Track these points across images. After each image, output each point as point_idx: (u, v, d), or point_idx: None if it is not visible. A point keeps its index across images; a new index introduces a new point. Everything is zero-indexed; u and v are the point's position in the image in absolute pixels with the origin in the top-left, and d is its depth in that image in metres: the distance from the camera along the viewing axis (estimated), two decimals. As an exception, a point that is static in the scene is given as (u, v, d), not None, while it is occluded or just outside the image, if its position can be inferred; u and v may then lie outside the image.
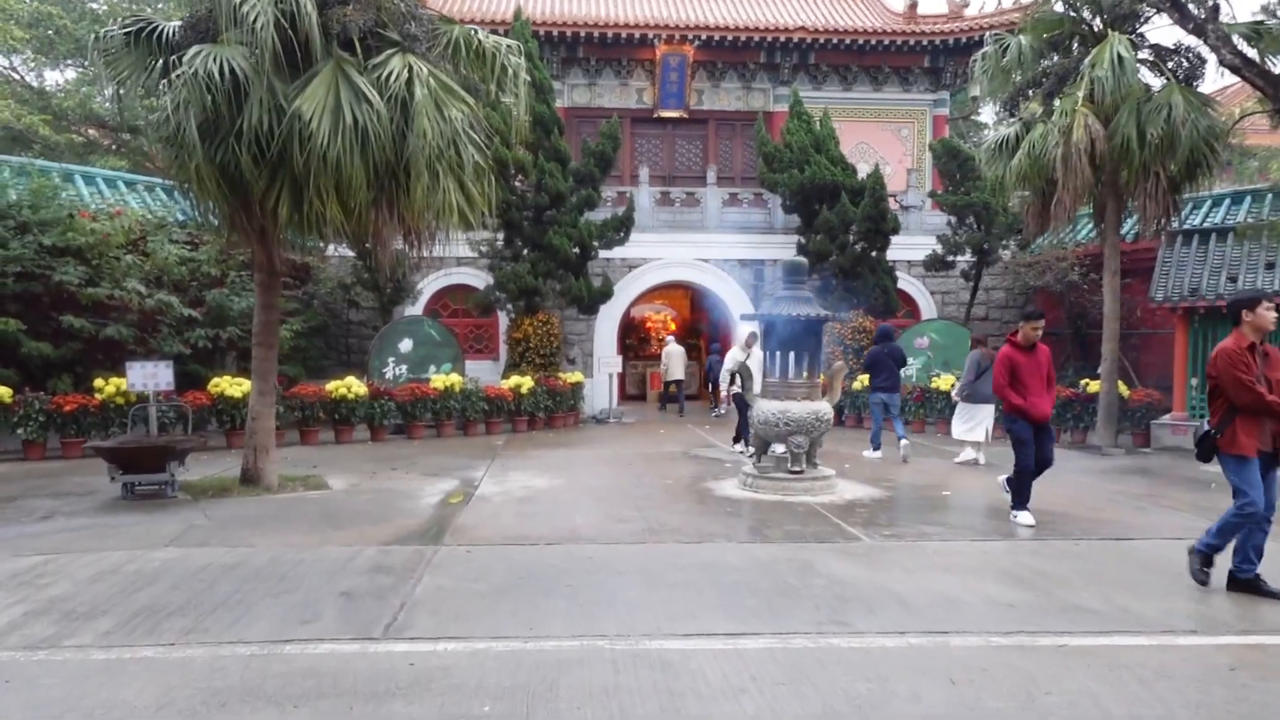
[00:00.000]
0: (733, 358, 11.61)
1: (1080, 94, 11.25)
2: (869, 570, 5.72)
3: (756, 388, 9.19)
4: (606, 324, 17.44)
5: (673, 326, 20.94)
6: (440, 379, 13.56)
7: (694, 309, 22.69)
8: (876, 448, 11.19)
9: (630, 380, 20.24)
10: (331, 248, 15.80)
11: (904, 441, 10.90)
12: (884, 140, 19.36)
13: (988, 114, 31.61)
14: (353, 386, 12.71)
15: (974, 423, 10.63)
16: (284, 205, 7.76)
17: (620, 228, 15.94)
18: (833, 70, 19.43)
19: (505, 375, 15.04)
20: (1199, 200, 13.73)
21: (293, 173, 7.53)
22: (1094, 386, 12.35)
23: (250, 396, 9.01)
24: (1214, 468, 5.77)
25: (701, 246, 17.53)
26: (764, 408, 8.62)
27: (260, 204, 7.95)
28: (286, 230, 8.40)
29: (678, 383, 17.99)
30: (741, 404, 11.14)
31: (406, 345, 14.60)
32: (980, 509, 7.90)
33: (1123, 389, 12.14)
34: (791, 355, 8.78)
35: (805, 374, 8.75)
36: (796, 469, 8.49)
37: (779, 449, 8.83)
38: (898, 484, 9.23)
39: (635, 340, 21.47)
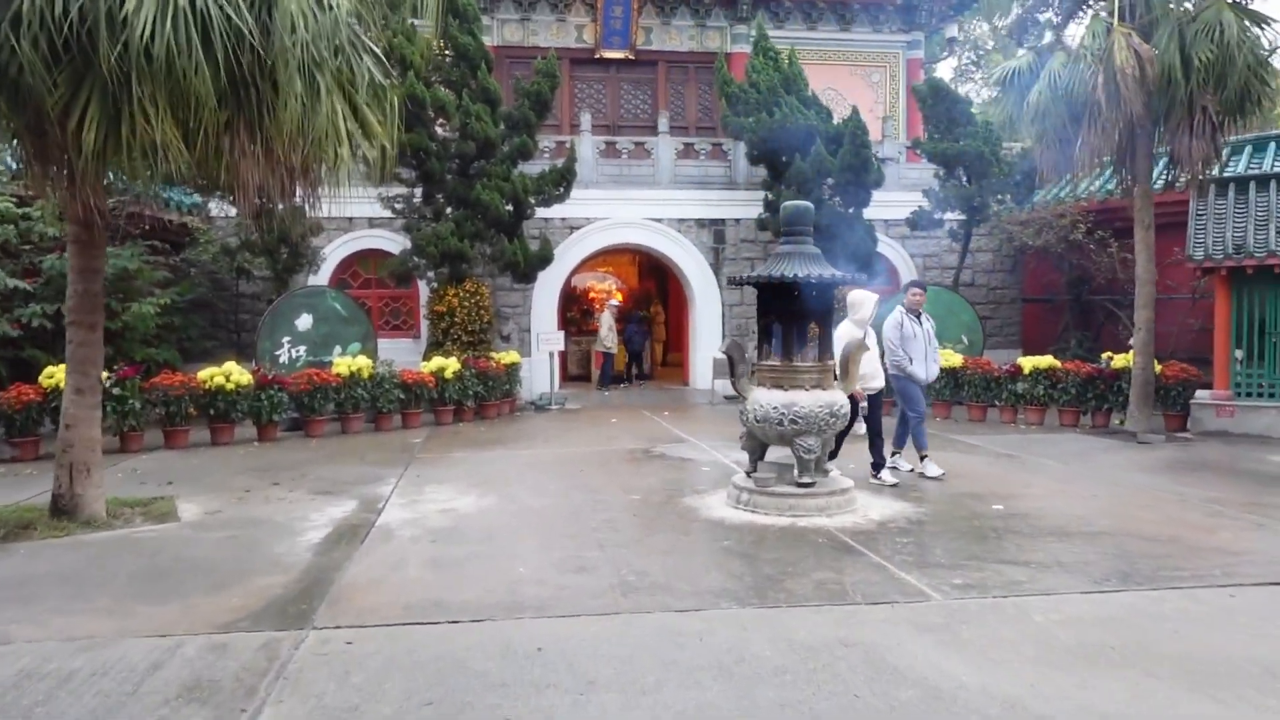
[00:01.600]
0: (849, 335, 7.34)
1: (1114, 11, 9.37)
2: (971, 664, 3.70)
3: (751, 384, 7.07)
4: (545, 294, 15.18)
5: (619, 297, 18.66)
6: (345, 362, 11.15)
7: (643, 276, 20.53)
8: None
9: (573, 359, 17.95)
10: (215, 204, 13.25)
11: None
12: (853, 86, 17.31)
13: (944, 69, 30.03)
14: (233, 374, 10.23)
15: None
16: (92, 125, 5.40)
17: (560, 182, 13.66)
18: (796, 7, 17.26)
19: (427, 356, 12.69)
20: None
21: (106, 78, 5.21)
22: (1119, 361, 10.61)
23: (65, 394, 6.60)
24: None
25: (652, 204, 15.38)
26: (761, 399, 6.55)
27: (60, 125, 5.58)
28: (98, 161, 5.94)
29: (606, 353, 16.55)
30: (875, 401, 7.66)
31: (305, 322, 12.11)
32: (1052, 530, 5.99)
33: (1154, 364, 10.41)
34: (795, 330, 6.71)
35: (816, 354, 6.71)
36: (806, 481, 6.45)
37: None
38: (928, 493, 7.27)
39: (577, 313, 19.15)
